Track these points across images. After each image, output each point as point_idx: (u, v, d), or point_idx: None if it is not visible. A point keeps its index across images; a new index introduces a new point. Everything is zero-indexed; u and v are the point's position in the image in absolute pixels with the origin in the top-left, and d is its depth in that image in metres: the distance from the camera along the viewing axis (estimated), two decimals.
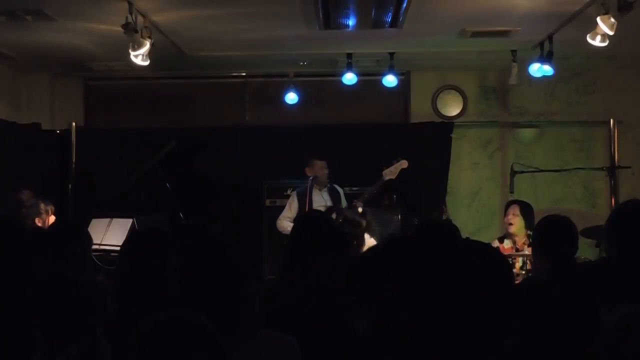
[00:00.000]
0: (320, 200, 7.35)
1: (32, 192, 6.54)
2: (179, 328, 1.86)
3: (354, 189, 7.77)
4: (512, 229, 6.44)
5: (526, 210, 6.48)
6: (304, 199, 7.36)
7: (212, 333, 1.91)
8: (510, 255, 6.01)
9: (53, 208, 6.32)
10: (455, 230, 3.91)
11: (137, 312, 2.55)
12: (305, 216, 4.40)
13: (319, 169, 7.48)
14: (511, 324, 1.32)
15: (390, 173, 7.23)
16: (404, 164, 7.25)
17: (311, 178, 7.27)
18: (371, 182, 7.42)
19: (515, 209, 6.51)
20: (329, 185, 7.53)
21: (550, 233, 3.97)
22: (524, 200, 6.78)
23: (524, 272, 5.80)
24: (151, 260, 3.29)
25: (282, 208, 7.74)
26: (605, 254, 5.69)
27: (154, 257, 3.20)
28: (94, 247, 5.77)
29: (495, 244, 6.47)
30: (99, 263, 5.81)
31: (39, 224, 6.02)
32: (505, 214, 6.59)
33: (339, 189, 7.62)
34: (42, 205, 6.22)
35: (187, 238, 2.72)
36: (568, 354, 3.25)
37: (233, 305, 2.45)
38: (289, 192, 8.12)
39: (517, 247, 6.36)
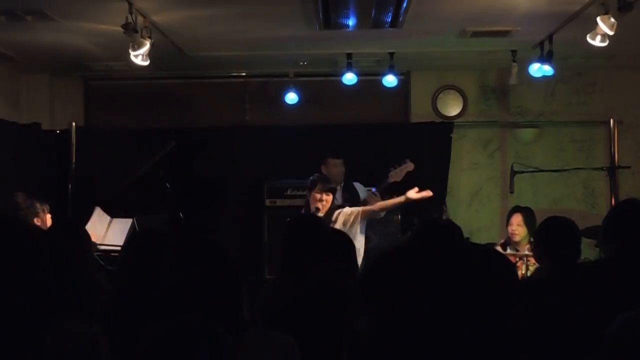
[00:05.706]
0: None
1: (26, 193, 6.52)
2: (189, 334, 1.85)
3: None
4: (516, 239, 6.41)
5: (529, 218, 6.42)
6: None
7: (222, 337, 1.90)
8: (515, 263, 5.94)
9: (48, 207, 6.32)
10: (460, 231, 3.91)
11: (137, 316, 2.55)
12: (294, 220, 4.38)
13: (332, 167, 7.45)
14: (516, 325, 1.32)
15: (396, 175, 7.18)
16: (410, 166, 7.20)
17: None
18: (371, 182, 7.41)
19: (518, 219, 6.45)
20: (343, 184, 7.47)
21: (553, 235, 3.96)
22: (525, 200, 6.75)
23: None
24: (150, 262, 3.29)
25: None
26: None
27: (154, 260, 3.19)
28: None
29: (498, 249, 6.43)
30: (101, 262, 5.82)
31: (38, 224, 6.02)
32: (509, 222, 6.54)
33: (358, 186, 7.57)
34: (37, 205, 6.22)
35: (183, 239, 2.72)
36: (569, 354, 3.25)
37: (227, 305, 2.44)
38: (289, 192, 8.11)
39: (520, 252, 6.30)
